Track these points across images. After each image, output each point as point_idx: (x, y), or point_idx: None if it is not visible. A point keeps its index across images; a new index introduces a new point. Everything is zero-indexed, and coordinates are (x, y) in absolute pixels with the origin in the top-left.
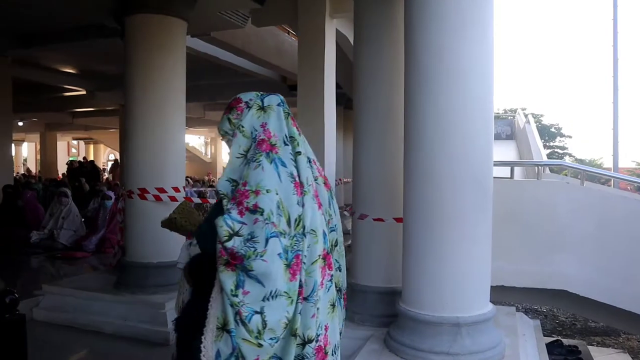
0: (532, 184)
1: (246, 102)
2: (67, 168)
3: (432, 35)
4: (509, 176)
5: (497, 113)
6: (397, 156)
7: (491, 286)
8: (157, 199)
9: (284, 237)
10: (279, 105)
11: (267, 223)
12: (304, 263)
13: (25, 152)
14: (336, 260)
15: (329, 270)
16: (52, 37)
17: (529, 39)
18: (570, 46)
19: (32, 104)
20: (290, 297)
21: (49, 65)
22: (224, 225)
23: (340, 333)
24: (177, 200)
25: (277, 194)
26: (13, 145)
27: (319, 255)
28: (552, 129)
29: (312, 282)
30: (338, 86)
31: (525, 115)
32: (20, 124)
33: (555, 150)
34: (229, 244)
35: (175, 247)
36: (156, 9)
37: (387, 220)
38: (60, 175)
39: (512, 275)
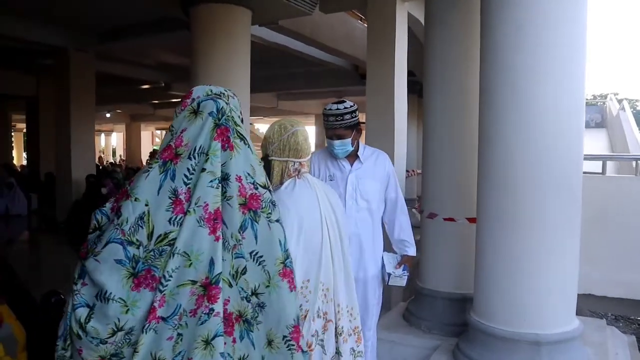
0: (629, 181)
1: (192, 99)
2: (149, 156)
3: (512, 11)
4: (600, 171)
5: (586, 99)
6: (471, 149)
7: (579, 294)
8: None
9: (136, 247)
10: (210, 114)
11: (116, 228)
12: (163, 284)
13: (114, 142)
14: (242, 289)
15: (210, 302)
16: (128, 31)
17: (621, 17)
18: None
19: (116, 96)
20: (126, 306)
21: (129, 58)
22: (93, 219)
23: None
24: None
25: (146, 205)
26: (103, 135)
27: (192, 281)
28: None
29: (175, 304)
30: (411, 74)
31: (619, 101)
32: (108, 115)
33: None
34: (89, 236)
35: None
36: None
37: (459, 220)
38: (144, 164)
39: (602, 283)
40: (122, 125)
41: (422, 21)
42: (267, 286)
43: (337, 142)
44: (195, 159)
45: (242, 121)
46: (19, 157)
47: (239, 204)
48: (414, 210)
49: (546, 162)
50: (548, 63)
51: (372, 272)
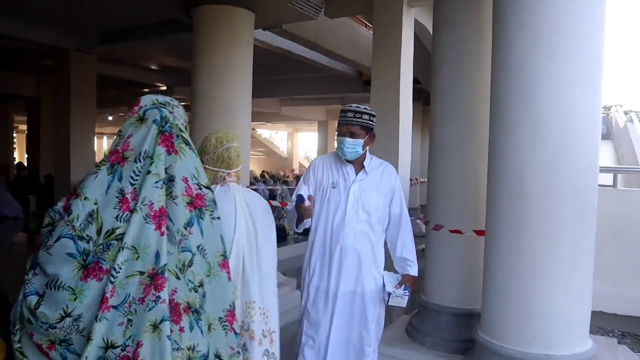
0: None
1: (140, 107)
2: None
3: (528, 13)
4: (611, 184)
5: None
6: (480, 158)
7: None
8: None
9: (86, 242)
10: (155, 121)
11: (67, 224)
12: (114, 276)
13: None
14: (190, 280)
15: (156, 291)
16: (130, 33)
17: (623, 29)
18: None
19: (119, 99)
20: (74, 294)
21: (132, 61)
22: (47, 216)
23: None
24: None
25: (95, 203)
26: (105, 138)
27: (140, 272)
28: None
29: (125, 293)
30: (416, 81)
31: (626, 113)
32: (110, 118)
33: None
34: (42, 230)
35: None
36: (222, 0)
37: (466, 233)
38: None
39: (613, 300)
40: None
41: (429, 27)
42: (208, 275)
43: (349, 140)
44: (141, 162)
45: (186, 128)
46: (20, 159)
47: (186, 203)
48: (417, 220)
49: (560, 172)
50: (569, 69)
51: (370, 287)
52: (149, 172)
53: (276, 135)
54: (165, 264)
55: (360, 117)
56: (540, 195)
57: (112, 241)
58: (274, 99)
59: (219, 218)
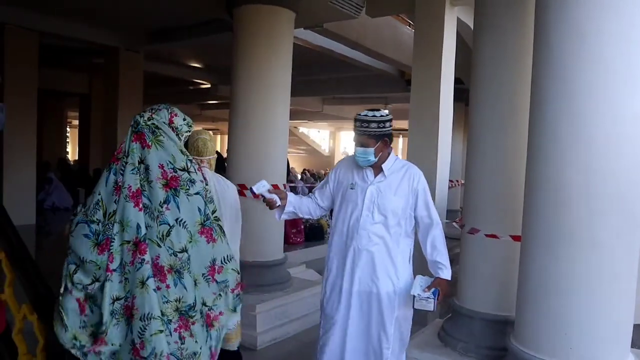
0: None
1: None
2: None
3: (572, 15)
4: None
5: None
6: (519, 162)
7: (634, 324)
8: (255, 196)
9: (97, 224)
10: (131, 125)
11: (81, 213)
12: (112, 245)
13: None
14: (169, 247)
15: (141, 255)
16: (177, 33)
17: None
18: None
19: (164, 97)
20: (98, 265)
21: (177, 60)
22: (77, 208)
23: (197, 305)
24: None
25: (100, 194)
26: None
27: (127, 241)
28: None
29: (120, 259)
30: (458, 81)
31: None
32: None
33: None
34: (71, 218)
35: (271, 247)
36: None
37: (502, 237)
38: None
39: None
40: None
41: (472, 26)
42: (190, 242)
43: (359, 150)
44: (124, 157)
45: (169, 124)
46: (73, 153)
47: (162, 185)
48: (454, 223)
49: (603, 178)
50: (613, 72)
51: (387, 289)
52: (126, 162)
53: (317, 134)
54: (145, 233)
55: (367, 127)
56: (581, 201)
57: (112, 220)
58: (316, 97)
59: (197, 194)
